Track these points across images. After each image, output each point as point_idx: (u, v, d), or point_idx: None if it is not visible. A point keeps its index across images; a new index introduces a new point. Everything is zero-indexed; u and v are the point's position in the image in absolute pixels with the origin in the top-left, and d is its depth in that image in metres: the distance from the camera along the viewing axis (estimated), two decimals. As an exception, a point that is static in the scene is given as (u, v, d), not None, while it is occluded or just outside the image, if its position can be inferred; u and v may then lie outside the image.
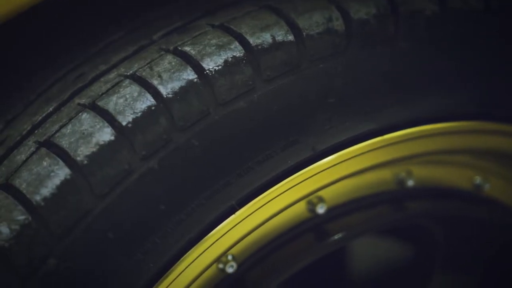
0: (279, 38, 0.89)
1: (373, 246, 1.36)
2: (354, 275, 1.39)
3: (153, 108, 0.85)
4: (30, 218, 0.82)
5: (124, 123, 0.84)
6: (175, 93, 0.86)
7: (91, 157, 0.83)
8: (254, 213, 0.93)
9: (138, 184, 0.85)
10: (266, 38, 0.89)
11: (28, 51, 1.02)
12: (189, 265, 0.90)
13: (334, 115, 0.94)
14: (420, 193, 1.08)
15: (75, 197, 0.83)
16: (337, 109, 0.94)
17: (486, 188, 1.13)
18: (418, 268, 1.19)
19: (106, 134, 0.84)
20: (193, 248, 0.89)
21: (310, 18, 0.91)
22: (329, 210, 1.02)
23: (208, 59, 0.87)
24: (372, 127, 0.97)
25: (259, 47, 0.89)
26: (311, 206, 1.01)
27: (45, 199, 0.82)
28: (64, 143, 0.84)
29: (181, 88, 0.86)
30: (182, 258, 0.89)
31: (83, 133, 0.84)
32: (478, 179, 1.13)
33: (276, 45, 0.89)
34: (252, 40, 0.89)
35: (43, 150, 0.85)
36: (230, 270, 0.96)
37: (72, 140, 0.84)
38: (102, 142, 0.84)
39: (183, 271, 0.90)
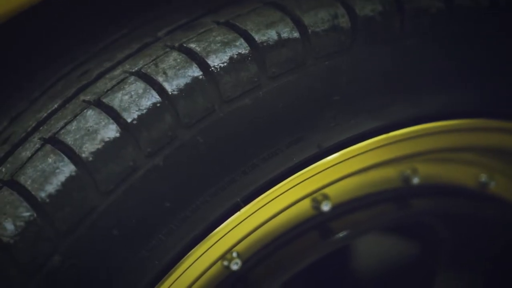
0: (285, 35, 0.89)
1: (378, 244, 1.36)
2: (358, 273, 1.39)
3: (158, 105, 0.85)
4: (35, 215, 0.82)
5: (129, 120, 0.84)
6: (180, 90, 0.86)
7: (96, 154, 0.83)
8: (259, 210, 0.93)
9: (143, 181, 0.85)
10: (271, 35, 0.89)
11: (33, 48, 1.02)
12: (194, 262, 0.90)
13: (339, 113, 0.94)
14: (425, 191, 1.08)
15: (80, 193, 0.83)
16: (342, 106, 0.94)
17: (492, 186, 1.13)
18: (423, 266, 1.19)
19: (111, 131, 0.84)
20: (198, 245, 0.89)
21: (315, 15, 0.91)
22: (334, 208, 1.01)
23: (213, 56, 0.87)
24: (377, 124, 0.97)
25: (265, 44, 0.89)
26: (316, 203, 1.01)
27: (50, 195, 0.82)
28: (69, 139, 0.84)
29: (186, 85, 0.86)
30: (187, 255, 0.89)
31: (88, 130, 0.84)
32: (483, 177, 1.13)
33: (281, 42, 0.89)
34: (258, 37, 0.89)
35: (48, 146, 0.85)
36: (234, 267, 0.96)
37: (77, 136, 0.84)
38: (107, 139, 0.84)
39: (187, 268, 0.90)
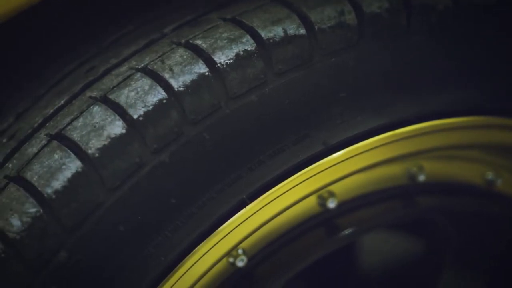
0: (291, 31, 0.89)
1: (384, 241, 1.36)
2: (364, 270, 1.39)
3: (164, 101, 0.85)
4: (41, 211, 0.82)
5: (135, 116, 0.84)
6: (187, 87, 0.86)
7: (103, 150, 0.83)
8: (265, 207, 0.93)
9: (149, 177, 0.85)
10: (277, 31, 0.89)
11: (39, 45, 1.02)
12: (199, 258, 0.90)
13: (346, 110, 0.94)
14: (431, 188, 1.07)
15: (86, 190, 0.83)
16: (348, 103, 0.94)
17: (498, 183, 1.13)
18: (428, 264, 1.19)
19: (117, 127, 0.84)
20: (203, 242, 0.89)
21: (322, 11, 0.91)
22: (340, 205, 1.01)
23: (220, 53, 0.87)
24: (383, 121, 0.97)
25: (271, 40, 0.88)
26: (322, 200, 1.01)
27: (56, 191, 0.82)
28: (75, 136, 0.84)
29: (193, 81, 0.86)
30: (192, 252, 0.89)
31: (95, 126, 0.84)
32: (490, 175, 1.12)
33: (287, 39, 0.89)
34: (264, 34, 0.88)
35: (55, 143, 0.85)
36: (240, 264, 0.96)
37: (84, 133, 0.84)
38: (114, 135, 0.84)
39: (193, 264, 0.90)
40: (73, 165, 0.83)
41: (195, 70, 0.86)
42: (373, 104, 0.95)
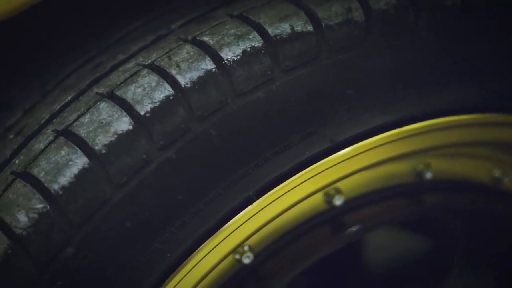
0: (298, 28, 0.89)
1: (390, 239, 1.35)
2: (370, 267, 1.39)
3: (171, 97, 0.85)
4: (48, 207, 0.82)
5: (142, 113, 0.84)
6: (193, 83, 0.86)
7: (109, 146, 0.83)
8: (271, 204, 0.93)
9: (156, 173, 0.85)
10: (285, 28, 0.89)
11: (47, 41, 1.02)
12: (205, 255, 0.90)
13: (353, 107, 0.93)
14: (438, 185, 1.07)
15: (93, 186, 0.83)
16: (355, 100, 0.93)
17: (506, 181, 1.12)
18: (435, 263, 1.19)
19: (124, 124, 0.84)
20: (210, 238, 0.89)
21: (329, 8, 0.90)
22: (346, 202, 1.01)
23: (227, 49, 0.87)
24: (390, 118, 0.96)
25: (278, 37, 0.88)
26: (328, 197, 1.00)
27: (63, 188, 0.82)
28: (82, 132, 0.84)
29: (199, 78, 0.86)
30: (199, 249, 0.89)
31: (101, 122, 0.84)
32: (497, 172, 1.12)
33: (295, 36, 0.89)
34: (271, 30, 0.88)
35: (61, 139, 0.85)
36: (246, 261, 0.96)
37: (90, 129, 0.84)
38: (120, 132, 0.84)
39: (199, 261, 0.90)
40: (80, 161, 0.83)
41: (202, 67, 0.86)
42: (380, 101, 0.95)
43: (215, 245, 0.90)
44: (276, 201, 0.93)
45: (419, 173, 1.06)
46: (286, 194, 0.93)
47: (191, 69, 0.86)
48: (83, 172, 0.83)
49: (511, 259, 1.19)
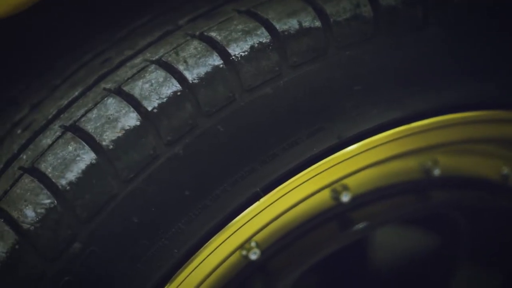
0: (306, 24, 0.89)
1: (397, 236, 1.35)
2: (376, 264, 1.38)
3: (178, 93, 0.85)
4: (55, 202, 0.82)
5: (149, 108, 0.84)
6: (201, 79, 0.85)
7: (117, 142, 0.83)
8: (279, 200, 0.93)
9: (163, 169, 0.85)
10: (293, 24, 0.88)
11: (54, 36, 1.02)
12: (212, 251, 0.90)
13: (361, 103, 0.93)
14: (446, 182, 1.07)
15: (101, 181, 0.83)
16: (363, 96, 0.93)
17: (514, 178, 1.12)
18: (442, 261, 1.18)
19: (131, 119, 0.84)
20: (217, 234, 0.89)
21: (337, 4, 0.90)
22: (354, 199, 1.01)
23: (234, 45, 0.87)
24: (398, 115, 0.96)
25: (286, 33, 0.88)
26: (336, 194, 1.00)
27: (70, 183, 0.82)
28: (89, 127, 0.84)
29: (207, 73, 0.86)
30: (206, 245, 0.89)
31: (109, 118, 0.84)
32: (505, 169, 1.12)
33: (303, 31, 0.88)
34: (279, 26, 0.88)
35: (69, 134, 0.85)
36: (253, 257, 0.96)
37: (98, 124, 0.84)
38: (128, 127, 0.84)
39: (206, 257, 0.90)
40: (87, 157, 0.83)
41: (210, 62, 0.86)
42: (388, 98, 0.95)
43: (222, 241, 0.90)
44: (283, 197, 0.93)
45: (427, 170, 1.06)
46: (293, 190, 0.93)
47: (198, 65, 0.86)
48: (90, 168, 0.83)
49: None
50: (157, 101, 0.84)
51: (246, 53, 0.87)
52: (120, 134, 0.83)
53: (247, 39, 0.87)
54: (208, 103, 0.86)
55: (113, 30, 0.99)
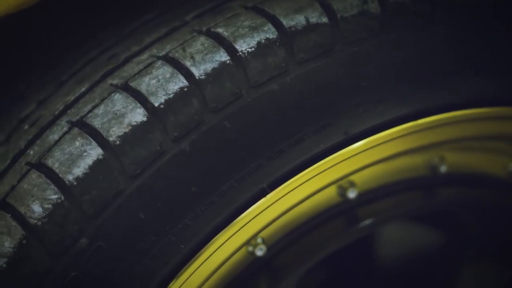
0: (313, 20, 0.88)
1: (404, 232, 1.35)
2: (382, 261, 1.38)
3: (185, 89, 0.85)
4: (62, 198, 0.82)
5: (156, 104, 0.84)
6: (208, 75, 0.85)
7: (123, 137, 0.83)
8: (285, 196, 0.93)
9: (169, 165, 0.85)
10: (299, 20, 0.88)
11: (61, 32, 1.02)
12: (219, 247, 0.91)
13: (367, 99, 0.93)
14: (453, 179, 1.07)
15: (107, 177, 0.83)
16: (370, 93, 0.93)
17: (521, 175, 1.12)
18: (448, 258, 1.18)
19: (138, 115, 0.84)
20: (223, 230, 0.89)
21: (345, 0, 0.90)
22: (360, 195, 1.01)
23: (241, 41, 0.87)
24: (405, 111, 0.96)
25: (293, 29, 0.88)
26: (342, 190, 1.00)
27: (77, 178, 0.82)
28: (96, 123, 0.84)
29: (214, 69, 0.86)
30: (212, 240, 0.89)
31: (116, 114, 0.84)
32: (512, 167, 1.12)
33: (310, 27, 0.88)
34: (286, 22, 0.88)
35: (76, 130, 0.85)
36: (259, 253, 0.96)
37: (105, 120, 0.84)
38: (134, 123, 0.84)
39: (213, 253, 0.90)
40: (94, 152, 0.83)
41: (216, 58, 0.86)
42: (395, 94, 0.95)
43: (228, 237, 0.90)
44: (289, 193, 0.93)
45: (433, 166, 1.06)
46: (300, 186, 0.93)
47: (205, 61, 0.86)
48: (97, 163, 0.83)
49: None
50: (164, 97, 0.84)
51: (253, 49, 0.87)
52: (127, 130, 0.83)
53: (254, 35, 0.87)
54: (214, 99, 0.86)
55: (120, 26, 0.99)
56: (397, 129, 0.96)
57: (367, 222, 1.02)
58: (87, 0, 0.99)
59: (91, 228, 0.83)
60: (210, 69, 0.86)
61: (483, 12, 0.97)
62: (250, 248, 0.96)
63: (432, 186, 1.06)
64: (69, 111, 0.89)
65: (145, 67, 0.87)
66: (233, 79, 0.86)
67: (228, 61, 0.86)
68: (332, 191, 1.00)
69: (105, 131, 0.83)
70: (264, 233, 0.96)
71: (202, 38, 0.88)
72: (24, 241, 0.82)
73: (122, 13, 1.00)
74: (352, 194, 1.00)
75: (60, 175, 0.83)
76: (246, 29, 0.87)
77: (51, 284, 0.83)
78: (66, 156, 0.83)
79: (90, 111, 0.86)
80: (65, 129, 0.86)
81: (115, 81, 0.88)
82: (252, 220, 0.92)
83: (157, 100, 0.84)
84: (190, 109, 0.85)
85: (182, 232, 0.87)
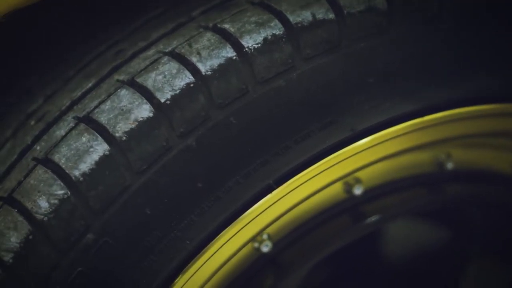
0: (320, 16, 0.88)
1: (410, 229, 1.35)
2: (388, 258, 1.38)
3: (191, 85, 0.85)
4: (69, 193, 0.82)
5: (162, 100, 0.84)
6: (214, 71, 0.85)
7: (130, 133, 0.83)
8: (291, 192, 0.93)
9: (176, 161, 0.85)
10: (306, 16, 0.88)
11: (68, 27, 1.02)
12: (225, 243, 0.91)
13: (374, 95, 0.93)
14: (459, 176, 1.06)
15: (114, 173, 0.83)
16: (377, 89, 0.93)
17: (528, 172, 1.11)
18: (454, 254, 1.18)
19: (144, 111, 0.84)
20: (229, 226, 0.89)
21: (351, -4, 0.90)
22: (366, 192, 1.01)
23: (248, 37, 0.87)
24: (411, 108, 0.96)
25: (299, 25, 0.88)
26: (348, 187, 1.00)
27: (83, 174, 0.82)
28: (103, 119, 0.84)
29: (220, 65, 0.86)
30: (218, 236, 0.89)
31: (122, 110, 0.84)
32: (519, 163, 1.11)
33: (316, 23, 0.88)
34: (292, 18, 0.88)
35: (82, 125, 0.85)
36: (265, 249, 0.96)
37: (111, 116, 0.84)
38: (141, 119, 0.84)
39: (218, 249, 0.91)
40: (101, 148, 0.83)
41: (223, 54, 0.86)
42: (402, 90, 0.94)
43: (234, 233, 0.91)
44: (295, 190, 0.93)
45: (440, 163, 1.06)
46: (306, 183, 0.93)
47: (211, 57, 0.86)
48: (103, 159, 0.83)
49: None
50: (170, 92, 0.84)
51: (259, 45, 0.86)
52: (133, 126, 0.84)
53: (261, 31, 0.87)
54: (221, 95, 0.85)
55: (126, 21, 0.99)
56: (403, 125, 0.96)
57: (373, 218, 1.02)
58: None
59: (97, 224, 0.83)
60: (216, 65, 0.86)
61: (489, 9, 0.97)
62: (256, 245, 0.96)
63: (439, 182, 1.06)
64: (75, 107, 0.89)
65: (152, 63, 0.87)
66: (239, 75, 0.86)
67: (234, 57, 0.86)
68: (338, 187, 1.00)
69: (112, 127, 0.84)
70: (269, 230, 0.96)
71: (209, 34, 0.88)
72: (30, 237, 0.82)
73: (128, 9, 1.00)
74: (358, 190, 1.00)
75: (67, 171, 0.83)
76: (252, 25, 0.87)
77: (57, 279, 0.83)
78: (72, 152, 0.83)
79: (96, 107, 0.86)
80: (72, 124, 0.86)
81: (121, 77, 0.88)
82: (258, 217, 0.92)
83: (163, 96, 0.84)
84: (196, 105, 0.85)
85: (188, 228, 0.87)
